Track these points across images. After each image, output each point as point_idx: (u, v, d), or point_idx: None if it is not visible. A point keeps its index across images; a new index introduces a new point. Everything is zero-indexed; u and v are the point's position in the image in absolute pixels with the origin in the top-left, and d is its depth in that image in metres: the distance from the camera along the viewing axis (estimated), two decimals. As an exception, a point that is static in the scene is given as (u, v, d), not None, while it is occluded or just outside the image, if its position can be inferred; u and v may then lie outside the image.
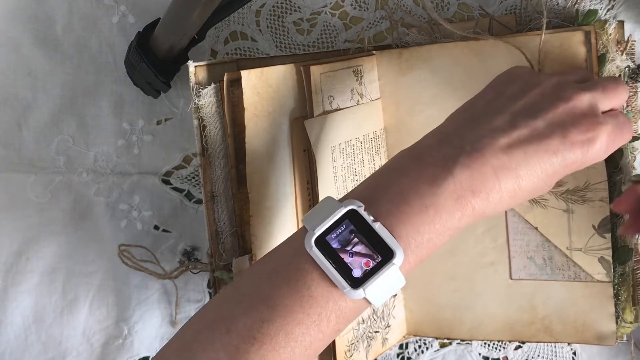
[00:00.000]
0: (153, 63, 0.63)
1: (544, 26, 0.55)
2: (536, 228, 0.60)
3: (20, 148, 0.72)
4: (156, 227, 0.73)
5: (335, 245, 0.43)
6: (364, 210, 0.43)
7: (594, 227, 0.58)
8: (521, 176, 0.44)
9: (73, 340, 0.74)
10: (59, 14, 0.71)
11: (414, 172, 0.44)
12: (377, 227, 0.42)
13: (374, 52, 0.63)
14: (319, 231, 0.43)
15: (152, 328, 0.73)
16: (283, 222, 0.56)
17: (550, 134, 0.44)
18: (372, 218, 0.42)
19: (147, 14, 0.69)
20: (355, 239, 0.43)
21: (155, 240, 0.73)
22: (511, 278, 0.62)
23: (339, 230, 0.43)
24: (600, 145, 0.46)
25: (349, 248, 0.42)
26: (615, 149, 0.48)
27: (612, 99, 0.49)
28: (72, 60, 0.71)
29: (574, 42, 0.54)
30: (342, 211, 0.43)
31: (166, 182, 0.72)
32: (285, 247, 0.46)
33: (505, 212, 0.60)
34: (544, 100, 0.46)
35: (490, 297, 0.62)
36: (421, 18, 0.65)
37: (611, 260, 0.58)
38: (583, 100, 0.46)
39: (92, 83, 0.71)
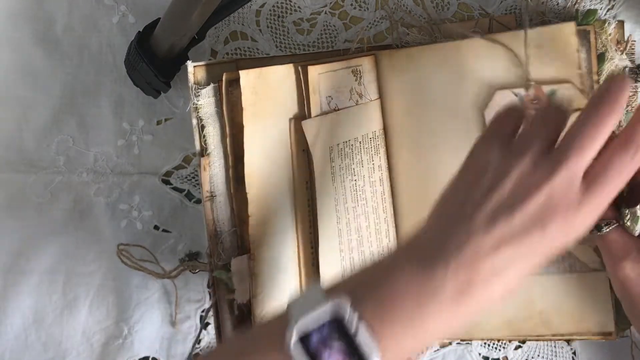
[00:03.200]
0: (153, 63, 0.63)
1: (526, 23, 0.54)
2: None
3: (20, 148, 0.72)
4: (156, 227, 0.73)
5: (314, 340, 0.41)
6: (350, 306, 0.41)
7: None
8: (505, 278, 0.43)
9: (73, 340, 0.74)
10: (59, 14, 0.71)
11: (402, 279, 0.43)
12: (359, 339, 0.41)
13: (373, 52, 0.63)
14: (300, 333, 0.41)
15: (152, 328, 0.73)
16: (281, 222, 0.56)
17: (528, 231, 0.43)
18: (354, 329, 0.41)
19: (147, 14, 0.69)
20: (335, 341, 0.41)
21: (155, 240, 0.73)
22: None
23: (322, 328, 0.41)
24: (584, 225, 0.44)
25: (326, 353, 0.41)
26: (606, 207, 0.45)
27: (594, 149, 0.44)
28: (72, 60, 0.71)
29: (566, 34, 0.54)
30: (326, 317, 0.41)
31: (166, 182, 0.72)
32: (262, 335, 0.45)
33: None
34: (518, 192, 0.44)
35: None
36: (421, 18, 0.65)
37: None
38: (558, 182, 0.43)
39: (92, 83, 0.71)
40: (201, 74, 0.54)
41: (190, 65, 0.53)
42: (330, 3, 0.67)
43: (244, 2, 0.64)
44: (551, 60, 0.55)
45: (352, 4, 0.67)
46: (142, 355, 0.74)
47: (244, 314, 0.56)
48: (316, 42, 0.68)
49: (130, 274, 0.72)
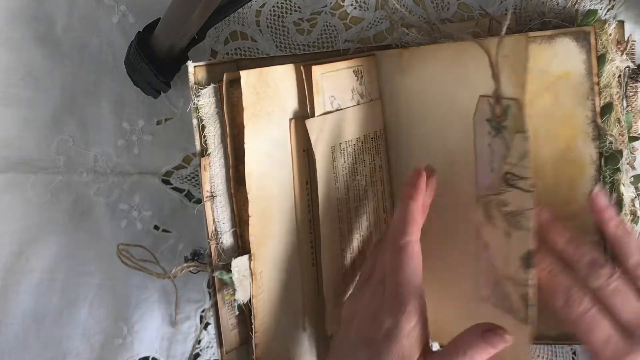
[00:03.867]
0: (153, 63, 0.63)
1: (504, 29, 0.53)
2: (487, 246, 0.57)
3: (20, 148, 0.72)
4: (156, 227, 0.73)
5: None
6: None
7: (520, 257, 0.52)
8: None
9: (73, 340, 0.74)
10: (59, 14, 0.71)
11: None
12: None
13: (374, 52, 0.63)
14: None
15: (152, 328, 0.73)
16: (282, 222, 0.56)
17: None
18: None
19: (147, 14, 0.69)
20: None
21: (155, 240, 0.73)
22: (475, 296, 0.59)
23: None
24: None
25: None
26: None
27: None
28: (72, 60, 0.71)
29: (518, 47, 0.52)
30: None
31: (166, 182, 0.72)
32: None
33: (477, 224, 0.58)
34: None
35: (458, 314, 0.60)
36: (421, 18, 0.65)
37: (529, 303, 0.52)
38: None
39: (92, 83, 0.71)
40: (201, 74, 0.54)
41: (190, 65, 0.53)
42: (330, 3, 0.67)
43: (244, 2, 0.64)
44: (509, 73, 0.53)
45: (352, 4, 0.67)
46: (142, 355, 0.74)
47: (244, 314, 0.56)
48: (316, 42, 0.68)
49: (130, 274, 0.72)
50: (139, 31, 0.64)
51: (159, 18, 0.62)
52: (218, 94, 0.54)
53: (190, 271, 0.59)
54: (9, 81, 0.72)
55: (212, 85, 0.53)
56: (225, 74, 0.53)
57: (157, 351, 0.74)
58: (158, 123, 0.71)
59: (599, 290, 0.49)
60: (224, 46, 0.69)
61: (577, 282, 0.51)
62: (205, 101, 0.53)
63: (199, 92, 0.53)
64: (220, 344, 0.56)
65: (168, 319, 0.73)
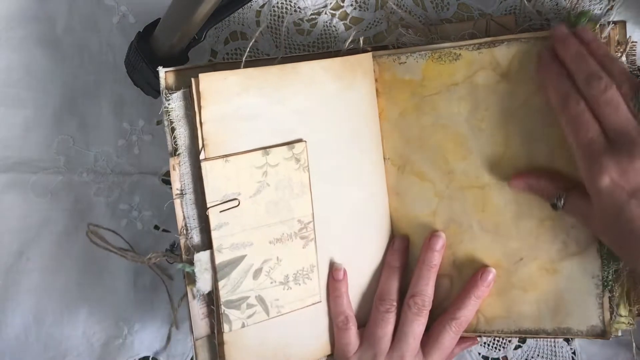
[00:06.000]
0: (153, 63, 0.63)
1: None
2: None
3: (20, 148, 0.72)
4: (156, 227, 0.73)
5: None
6: None
7: None
8: None
9: (73, 340, 0.74)
10: (59, 14, 0.71)
11: None
12: None
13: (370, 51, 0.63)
14: None
15: (152, 328, 0.74)
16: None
17: None
18: None
19: (147, 14, 0.69)
20: None
21: (156, 240, 0.73)
22: None
23: None
24: None
25: None
26: None
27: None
28: (72, 60, 0.71)
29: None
30: None
31: (166, 182, 0.72)
32: None
33: None
34: None
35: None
36: (420, 18, 0.65)
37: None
38: None
39: (92, 83, 0.71)
40: (171, 79, 0.56)
41: (162, 70, 0.56)
42: (330, 3, 0.67)
43: (244, 3, 0.64)
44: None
45: (352, 5, 0.67)
46: (142, 355, 0.74)
47: (207, 304, 0.58)
48: (316, 42, 0.68)
49: (130, 274, 0.73)
50: (139, 31, 0.64)
51: (159, 18, 0.63)
52: (188, 97, 0.56)
53: (167, 260, 0.61)
54: (9, 81, 0.72)
55: (182, 90, 0.55)
56: (192, 79, 0.55)
57: (157, 351, 0.74)
58: (158, 123, 0.72)
59: (593, 99, 0.52)
60: (224, 46, 0.69)
61: (575, 88, 0.54)
62: (175, 105, 0.55)
63: (169, 96, 0.55)
64: (191, 331, 0.58)
65: (168, 318, 0.73)
